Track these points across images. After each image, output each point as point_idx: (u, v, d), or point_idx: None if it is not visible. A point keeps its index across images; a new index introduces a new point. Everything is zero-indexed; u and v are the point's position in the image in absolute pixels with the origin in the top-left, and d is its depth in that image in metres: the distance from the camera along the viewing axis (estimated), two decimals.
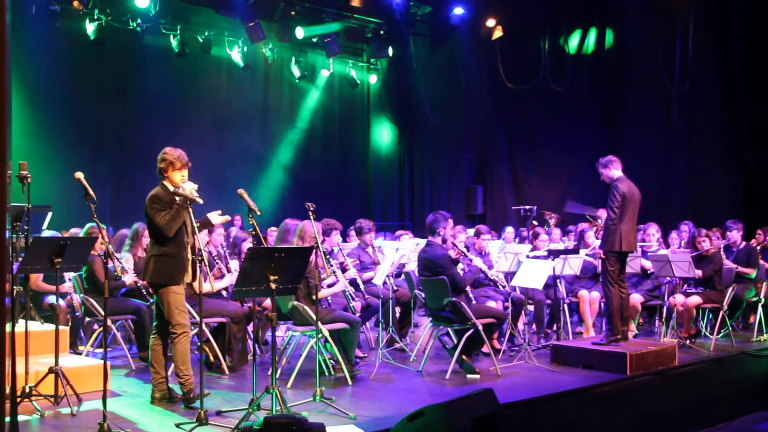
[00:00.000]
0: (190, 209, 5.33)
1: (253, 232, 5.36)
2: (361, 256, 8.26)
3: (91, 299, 6.99)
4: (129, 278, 7.18)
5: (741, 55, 11.08)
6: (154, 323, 5.69)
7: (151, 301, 7.19)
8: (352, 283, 7.15)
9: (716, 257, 8.16)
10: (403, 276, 8.48)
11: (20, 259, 5.46)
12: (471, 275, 7.08)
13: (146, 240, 7.61)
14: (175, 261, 5.43)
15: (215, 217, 5.74)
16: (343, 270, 7.03)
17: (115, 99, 12.63)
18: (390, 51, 15.51)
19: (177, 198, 5.36)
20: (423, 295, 7.33)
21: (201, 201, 5.34)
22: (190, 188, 5.38)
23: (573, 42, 13.12)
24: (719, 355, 7.49)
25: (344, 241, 9.51)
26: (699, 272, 8.02)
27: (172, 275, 5.41)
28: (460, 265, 7.37)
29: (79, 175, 4.91)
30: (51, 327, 6.04)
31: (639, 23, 12.37)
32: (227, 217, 5.84)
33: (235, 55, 13.70)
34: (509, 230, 11.31)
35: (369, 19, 14.58)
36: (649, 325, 9.32)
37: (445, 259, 6.75)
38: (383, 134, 16.91)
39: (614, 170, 7.23)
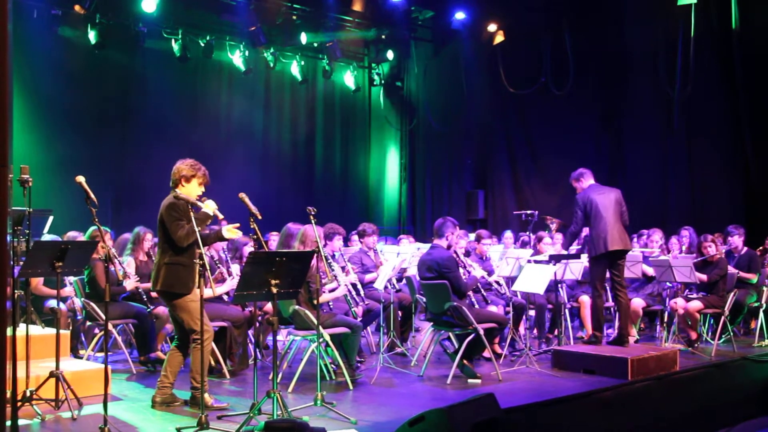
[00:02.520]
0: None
1: (254, 237, 5.35)
2: (363, 260, 8.26)
3: (92, 303, 6.99)
4: (130, 284, 7.18)
5: (742, 60, 11.08)
6: (176, 336, 5.73)
7: (152, 307, 7.20)
8: (353, 287, 7.15)
9: (721, 263, 8.15)
10: (404, 280, 8.47)
11: (21, 263, 5.46)
12: (472, 280, 7.08)
13: (148, 244, 7.64)
14: (188, 269, 5.41)
15: (227, 231, 5.58)
16: (346, 274, 7.02)
17: (116, 103, 12.63)
18: (391, 55, 15.53)
19: (197, 209, 5.35)
20: (424, 299, 7.33)
21: (221, 216, 5.41)
22: (213, 208, 5.38)
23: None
24: (721, 360, 7.42)
25: (346, 245, 9.51)
26: (704, 276, 8.03)
27: (185, 283, 5.38)
28: (461, 271, 7.36)
29: (81, 179, 4.91)
30: (52, 331, 6.04)
31: (640, 28, 12.37)
32: (239, 233, 5.74)
33: (237, 59, 13.71)
34: (508, 235, 11.31)
35: (370, 24, 14.60)
36: (650, 330, 9.31)
37: (450, 260, 6.76)
38: (384, 138, 16.91)
39: (585, 182, 7.49)
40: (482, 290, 7.50)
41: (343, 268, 7.28)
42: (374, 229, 8.53)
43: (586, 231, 9.70)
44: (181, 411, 5.47)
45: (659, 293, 8.58)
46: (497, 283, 7.95)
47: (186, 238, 5.31)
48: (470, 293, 7.14)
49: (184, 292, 5.39)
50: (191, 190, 5.52)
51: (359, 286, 7.30)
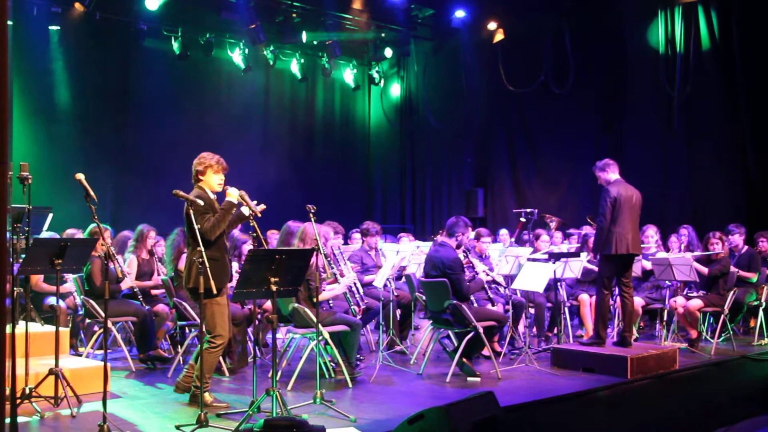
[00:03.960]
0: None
1: (254, 234, 5.36)
2: (364, 259, 8.23)
3: (91, 300, 6.99)
4: (126, 283, 7.18)
5: (741, 59, 11.07)
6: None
7: (148, 307, 7.19)
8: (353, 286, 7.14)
9: (724, 260, 8.17)
10: (403, 278, 8.46)
11: (21, 260, 5.45)
12: (476, 285, 7.07)
13: (151, 242, 7.65)
14: (219, 264, 5.35)
15: (246, 209, 5.56)
16: (342, 274, 7.02)
17: (115, 100, 12.63)
18: (391, 53, 15.52)
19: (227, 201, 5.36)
20: (424, 297, 7.32)
21: (259, 211, 5.35)
22: (236, 195, 5.35)
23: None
24: (720, 359, 7.47)
25: (345, 243, 9.50)
26: (705, 269, 8.04)
27: (219, 278, 5.25)
28: (467, 273, 7.35)
29: (80, 176, 4.90)
30: (51, 328, 6.04)
31: (639, 27, 12.36)
32: (263, 206, 5.62)
33: (236, 57, 13.70)
34: (503, 232, 11.32)
35: (370, 22, 14.58)
36: (650, 329, 9.31)
37: (456, 262, 6.74)
38: (383, 136, 16.90)
39: (611, 173, 7.23)
40: (488, 291, 7.47)
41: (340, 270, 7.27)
42: (378, 229, 8.44)
43: (585, 229, 9.71)
44: (180, 409, 5.48)
45: (657, 288, 8.57)
46: (494, 285, 7.95)
47: (212, 230, 5.27)
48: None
49: (215, 290, 5.09)
50: (210, 182, 5.49)
51: (359, 286, 7.28)
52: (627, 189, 7.13)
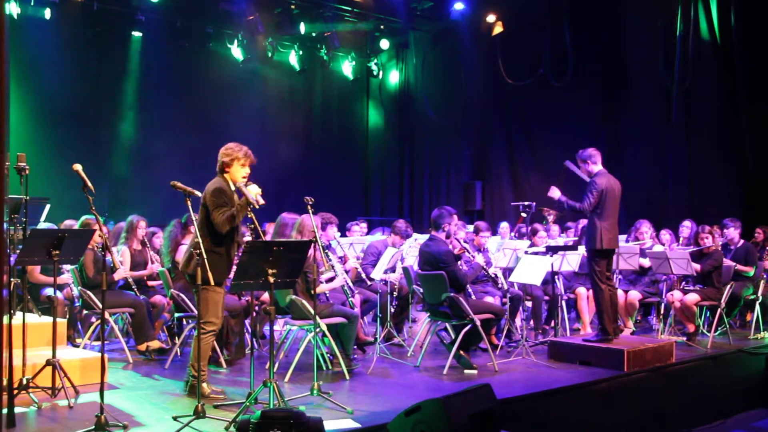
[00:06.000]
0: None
1: (252, 226, 5.35)
2: (382, 254, 8.13)
3: (88, 291, 6.98)
4: (119, 274, 7.16)
5: (741, 53, 11.07)
6: None
7: (144, 298, 7.19)
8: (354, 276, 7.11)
9: (716, 254, 8.17)
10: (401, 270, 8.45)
11: (18, 251, 5.45)
12: (473, 272, 7.06)
13: (142, 232, 7.63)
14: (221, 258, 5.35)
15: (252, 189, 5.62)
16: (343, 263, 7.01)
17: (113, 92, 12.62)
18: (389, 45, 15.49)
19: (240, 197, 5.32)
20: (421, 290, 7.33)
21: (258, 206, 5.30)
22: (255, 192, 5.29)
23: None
24: (716, 352, 7.50)
25: (343, 236, 9.49)
26: (697, 266, 8.05)
27: (219, 271, 5.23)
28: (461, 263, 7.34)
29: (78, 167, 4.88)
30: (48, 319, 6.03)
31: (639, 21, 12.35)
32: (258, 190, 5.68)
33: (235, 49, 13.67)
34: (504, 225, 11.33)
35: (369, 14, 14.55)
36: (646, 322, 9.32)
37: (447, 255, 6.73)
38: (382, 129, 16.89)
39: (593, 165, 7.12)
40: (487, 270, 7.43)
41: (342, 257, 7.26)
42: (409, 233, 8.32)
43: (583, 222, 9.70)
44: (177, 399, 5.48)
45: (654, 282, 8.58)
46: (494, 275, 7.95)
47: (224, 224, 5.25)
48: (468, 285, 7.12)
49: (213, 281, 5.07)
50: (235, 174, 5.45)
51: (359, 269, 7.20)
52: (610, 180, 7.04)
